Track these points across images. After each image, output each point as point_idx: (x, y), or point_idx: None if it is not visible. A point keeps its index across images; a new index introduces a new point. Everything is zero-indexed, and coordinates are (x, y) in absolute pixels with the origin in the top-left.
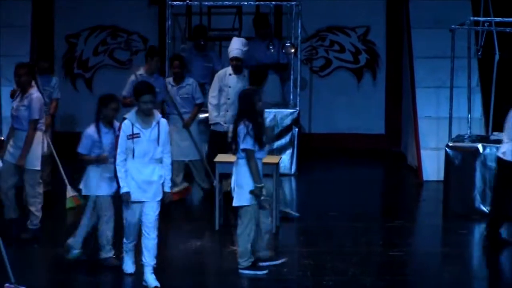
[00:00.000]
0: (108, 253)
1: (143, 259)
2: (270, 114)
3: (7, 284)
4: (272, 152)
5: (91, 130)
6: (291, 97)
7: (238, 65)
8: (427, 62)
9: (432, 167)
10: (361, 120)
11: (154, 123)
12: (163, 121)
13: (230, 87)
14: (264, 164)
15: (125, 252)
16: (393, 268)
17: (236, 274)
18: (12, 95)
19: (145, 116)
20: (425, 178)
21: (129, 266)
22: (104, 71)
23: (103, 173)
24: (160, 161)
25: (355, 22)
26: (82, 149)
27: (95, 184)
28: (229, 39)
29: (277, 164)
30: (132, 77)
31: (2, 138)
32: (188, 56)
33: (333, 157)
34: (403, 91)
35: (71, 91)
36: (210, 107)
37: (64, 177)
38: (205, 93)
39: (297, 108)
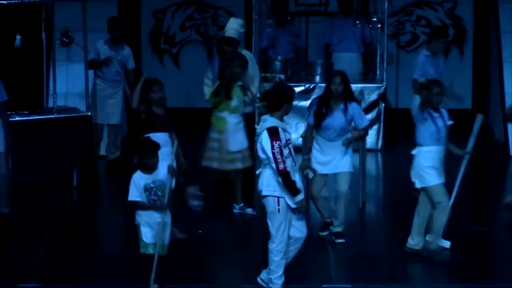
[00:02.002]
0: (443, 243)
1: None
2: (357, 89)
3: None
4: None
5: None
6: (378, 72)
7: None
8: None
9: None
10: (448, 95)
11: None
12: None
13: None
14: None
15: None
16: (479, 244)
17: None
18: (91, 66)
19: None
20: None
21: None
22: (190, 47)
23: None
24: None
25: None
26: None
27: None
28: (316, 14)
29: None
30: (421, 58)
31: None
32: (273, 32)
33: None
34: (491, 66)
35: (158, 67)
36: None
37: None
38: (289, 69)
39: (384, 83)
